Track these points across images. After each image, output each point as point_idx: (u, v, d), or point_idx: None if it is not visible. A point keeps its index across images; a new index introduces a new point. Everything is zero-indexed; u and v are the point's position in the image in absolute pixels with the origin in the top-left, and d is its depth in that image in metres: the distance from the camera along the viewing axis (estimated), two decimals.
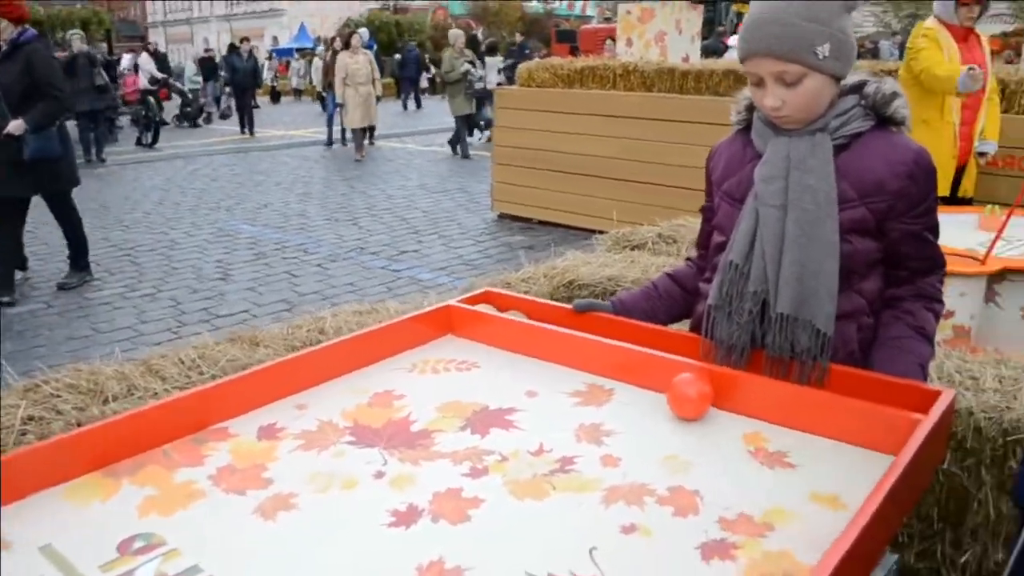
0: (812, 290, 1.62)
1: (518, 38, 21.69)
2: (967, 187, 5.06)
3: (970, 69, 4.60)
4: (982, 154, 5.03)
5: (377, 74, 13.70)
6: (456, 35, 13.88)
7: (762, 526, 1.25)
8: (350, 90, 13.13)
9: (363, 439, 1.53)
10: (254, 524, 1.29)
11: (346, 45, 13.71)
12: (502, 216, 8.80)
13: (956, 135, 4.88)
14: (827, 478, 1.37)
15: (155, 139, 15.72)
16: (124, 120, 17.30)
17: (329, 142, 15.54)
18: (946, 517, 2.33)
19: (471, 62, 13.20)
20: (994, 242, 3.74)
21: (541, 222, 8.38)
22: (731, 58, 14.16)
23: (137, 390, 2.31)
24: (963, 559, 2.30)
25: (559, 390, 1.71)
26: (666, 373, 1.64)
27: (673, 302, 2.00)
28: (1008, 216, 3.89)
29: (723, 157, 1.86)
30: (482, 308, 2.02)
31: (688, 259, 2.07)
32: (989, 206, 4.46)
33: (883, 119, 1.67)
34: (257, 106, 19.31)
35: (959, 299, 3.53)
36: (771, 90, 1.61)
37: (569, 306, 1.98)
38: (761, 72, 1.61)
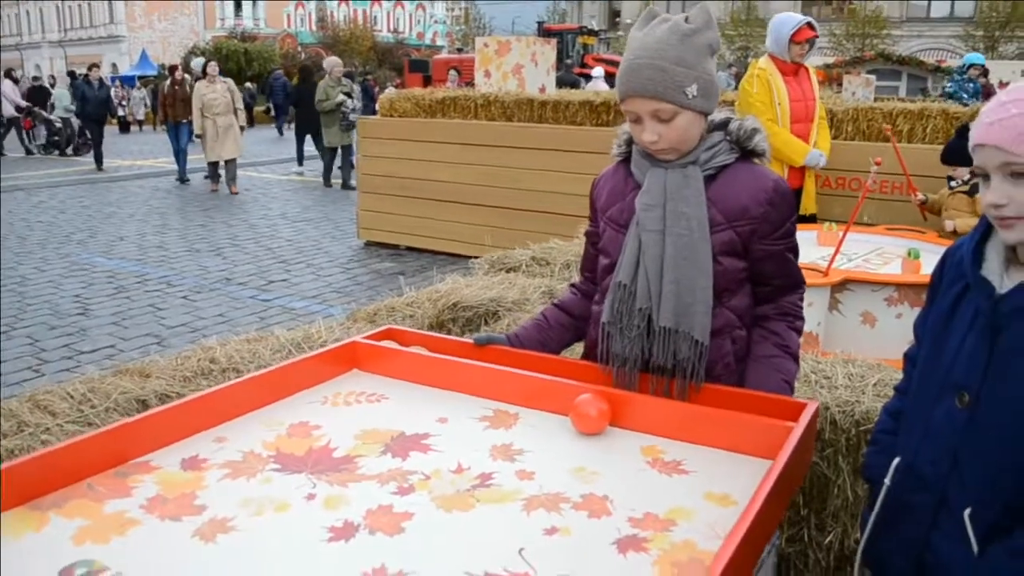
0: (689, 305, 1.81)
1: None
2: (807, 205, 5.49)
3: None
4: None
5: (240, 103, 13.14)
6: (332, 63, 13.11)
7: (667, 522, 1.41)
8: (208, 121, 12.56)
9: (289, 466, 1.60)
10: (196, 546, 1.34)
11: (204, 73, 13.12)
12: (369, 244, 8.83)
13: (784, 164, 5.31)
14: (718, 480, 1.55)
15: None
16: None
17: (182, 178, 14.43)
18: (810, 503, 2.56)
19: (347, 92, 12.70)
20: (834, 256, 4.11)
21: (409, 248, 8.46)
22: (593, 87, 14.64)
23: (28, 426, 2.27)
24: (827, 540, 2.54)
25: (468, 416, 1.83)
26: (566, 397, 1.80)
27: (564, 330, 2.15)
28: (844, 233, 4.29)
29: (606, 186, 2.03)
30: (386, 344, 2.11)
31: (572, 285, 2.23)
32: (827, 223, 4.90)
33: (746, 152, 1.89)
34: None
35: (807, 309, 3.81)
36: (648, 126, 1.80)
37: (468, 340, 2.10)
38: (638, 110, 1.80)
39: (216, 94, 12.60)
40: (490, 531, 1.38)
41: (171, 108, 13.80)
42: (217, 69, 13.16)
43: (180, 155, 14.35)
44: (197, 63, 14.50)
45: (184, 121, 13.72)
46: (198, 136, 12.84)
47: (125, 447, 1.61)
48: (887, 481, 1.57)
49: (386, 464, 1.61)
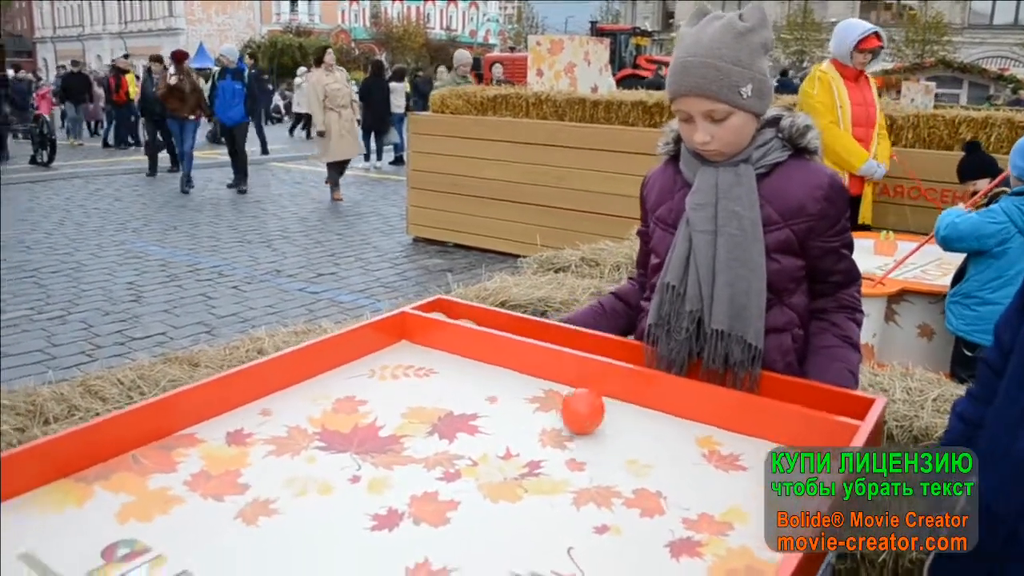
0: (743, 307, 1.75)
1: None
2: (865, 215, 5.37)
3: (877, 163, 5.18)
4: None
5: (355, 96, 11.69)
6: (461, 57, 10.68)
7: (723, 524, 1.34)
8: (332, 115, 10.91)
9: (334, 445, 1.57)
10: (237, 529, 1.31)
11: (319, 62, 11.38)
12: (417, 240, 8.83)
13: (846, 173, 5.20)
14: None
15: (51, 157, 15.18)
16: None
17: (187, 186, 12.27)
18: None
19: None
20: (895, 267, 4.00)
21: (457, 245, 8.45)
22: None
23: (78, 411, 2.28)
24: (880, 558, 2.45)
25: (518, 396, 1.79)
26: (619, 378, 1.75)
27: (619, 317, 2.10)
28: (917, 248, 4.17)
29: (655, 185, 1.99)
30: (435, 316, 2.08)
31: (630, 278, 2.19)
32: (884, 232, 4.76)
33: (798, 149, 1.82)
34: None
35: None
36: (700, 126, 1.75)
37: (517, 313, 2.06)
38: (691, 110, 1.75)
39: (339, 84, 11.03)
40: (538, 526, 1.33)
41: (177, 102, 11.91)
42: (334, 57, 11.48)
43: (185, 157, 12.41)
44: (228, 49, 12.45)
45: (191, 118, 12.14)
46: (320, 133, 11.11)
47: (171, 419, 1.60)
48: None
49: (433, 446, 1.57)
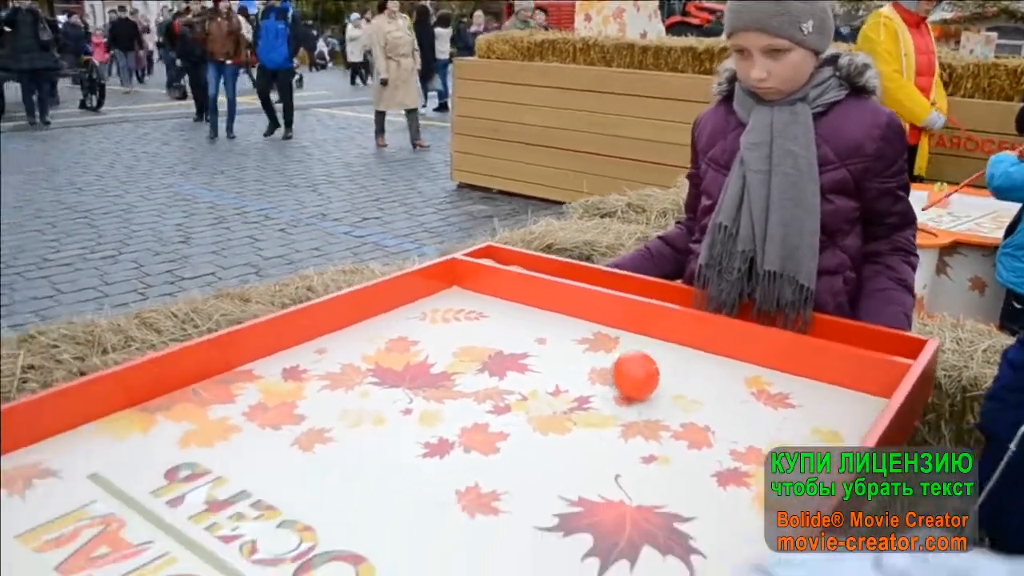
0: (796, 248, 1.73)
1: None
2: (920, 166, 5.26)
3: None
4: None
5: (416, 44, 11.13)
6: (523, 4, 10.35)
7: None
8: (392, 63, 10.55)
9: (387, 380, 1.60)
10: (294, 455, 1.35)
11: (381, 8, 10.87)
12: (461, 185, 8.84)
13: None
14: (826, 416, 1.48)
15: (100, 102, 15.34)
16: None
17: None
18: None
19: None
20: (950, 194, 3.89)
21: (502, 192, 8.44)
22: None
23: (134, 341, 2.34)
24: None
25: (567, 338, 1.80)
26: (668, 321, 1.76)
27: (666, 262, 2.10)
28: (951, 192, 4.09)
29: (707, 126, 1.96)
30: (485, 262, 2.09)
31: (678, 222, 2.18)
32: (938, 183, 4.66)
33: (856, 88, 1.79)
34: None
35: None
36: (758, 62, 1.71)
37: (566, 248, 2.07)
38: (749, 45, 1.71)
39: (401, 32, 10.69)
40: (586, 456, 1.36)
41: (215, 44, 11.32)
42: (397, 4, 10.88)
43: (229, 104, 11.83)
44: None
45: (228, 63, 11.47)
46: (383, 82, 10.65)
47: (229, 355, 1.64)
48: (1012, 447, 1.48)
49: (483, 382, 1.60)
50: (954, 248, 3.88)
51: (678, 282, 2.05)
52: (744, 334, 1.71)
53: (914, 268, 1.88)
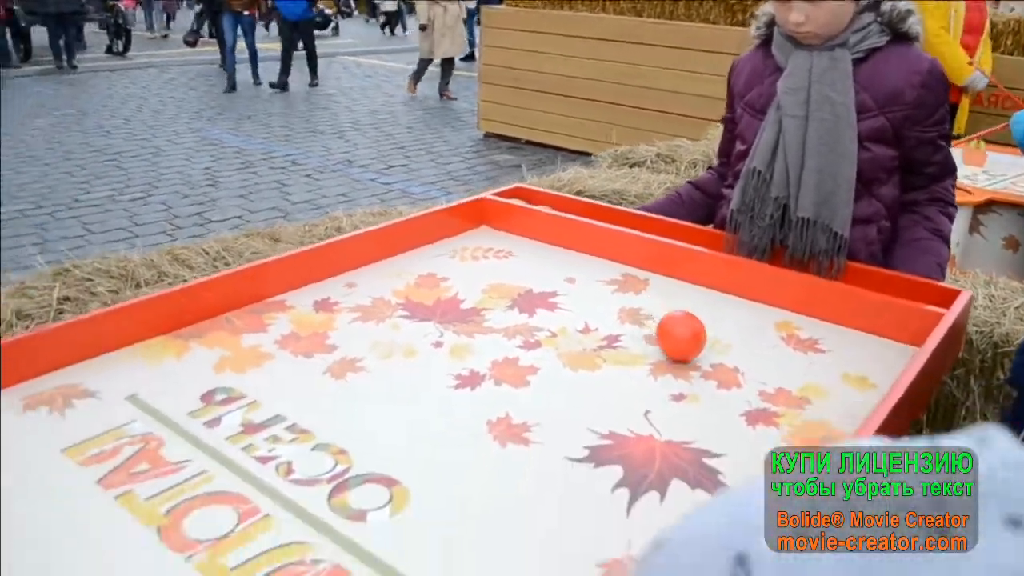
0: (830, 195, 1.72)
1: None
2: (959, 125, 5.16)
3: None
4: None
5: None
6: None
7: (800, 399, 1.36)
8: (437, 8, 10.16)
9: (417, 314, 1.61)
10: (327, 382, 1.37)
11: None
12: (488, 135, 8.79)
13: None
14: (856, 362, 1.48)
15: (127, 47, 15.31)
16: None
17: (232, 85, 11.37)
18: (933, 423, 2.47)
19: None
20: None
21: (528, 142, 8.39)
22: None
23: (167, 276, 2.37)
24: None
25: (597, 278, 1.80)
26: (699, 264, 1.75)
27: (696, 207, 2.09)
28: (976, 137, 4.03)
29: (745, 70, 1.94)
30: (514, 202, 2.09)
31: (710, 168, 2.16)
32: (974, 141, 4.58)
33: (898, 34, 1.76)
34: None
35: None
36: (796, 6, 1.69)
37: (595, 196, 2.06)
38: None
39: None
40: (615, 392, 1.37)
41: None
42: None
43: (250, 54, 11.65)
44: None
45: (244, 13, 11.27)
46: (421, 27, 10.31)
47: (261, 286, 1.65)
48: None
49: (512, 319, 1.61)
50: (989, 206, 3.82)
51: (709, 227, 2.04)
52: (775, 279, 1.70)
53: (951, 219, 1.86)
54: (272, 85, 11.63)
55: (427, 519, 1.05)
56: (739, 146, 1.93)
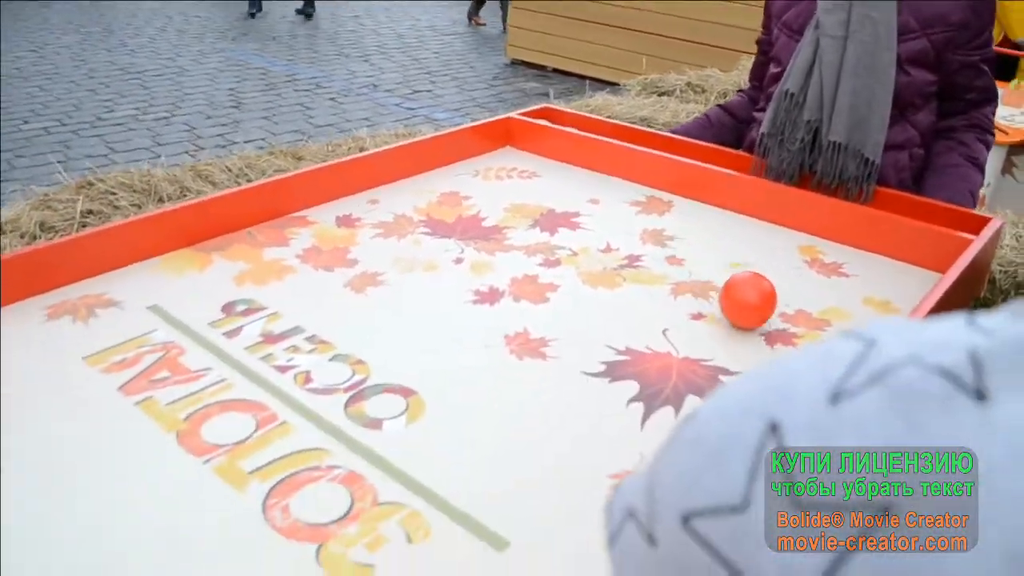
0: (864, 119, 1.68)
1: None
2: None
3: None
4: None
5: None
6: None
7: (820, 321, 1.35)
8: None
9: (438, 231, 1.61)
10: (347, 295, 1.38)
11: None
12: (515, 62, 8.65)
13: None
14: (880, 287, 1.47)
15: None
16: None
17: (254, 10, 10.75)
18: None
19: None
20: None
21: (556, 70, 8.26)
22: None
23: (189, 192, 2.37)
24: None
25: (620, 199, 1.79)
26: (723, 186, 1.73)
27: (725, 131, 2.06)
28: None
29: None
30: (540, 122, 2.06)
31: (740, 91, 2.12)
32: (1014, 81, 4.45)
33: None
34: None
35: None
36: None
37: (622, 122, 2.03)
38: None
39: None
40: (635, 309, 1.37)
41: None
42: None
43: None
44: None
45: None
46: None
47: (283, 201, 1.65)
48: None
49: (534, 237, 1.60)
50: (1023, 147, 3.74)
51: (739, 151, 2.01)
52: (800, 202, 1.68)
53: (989, 147, 1.82)
54: (298, 12, 11.41)
55: (442, 428, 1.06)
56: (773, 68, 1.89)
